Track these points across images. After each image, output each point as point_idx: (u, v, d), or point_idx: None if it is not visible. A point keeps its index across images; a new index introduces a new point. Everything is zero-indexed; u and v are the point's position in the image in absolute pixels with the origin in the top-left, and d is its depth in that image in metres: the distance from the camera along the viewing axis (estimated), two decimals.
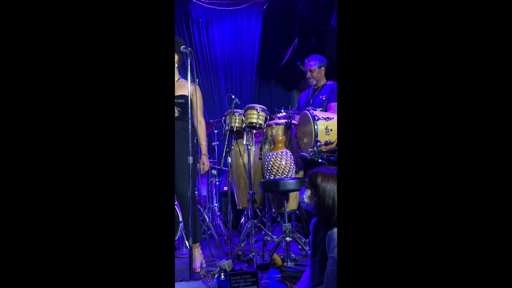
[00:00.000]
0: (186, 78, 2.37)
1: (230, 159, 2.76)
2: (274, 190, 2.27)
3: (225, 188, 3.85)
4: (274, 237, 2.53)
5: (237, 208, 2.93)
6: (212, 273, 1.28)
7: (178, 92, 2.29)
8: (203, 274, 1.28)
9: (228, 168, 2.78)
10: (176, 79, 2.36)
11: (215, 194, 3.68)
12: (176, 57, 2.30)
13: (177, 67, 2.37)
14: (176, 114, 2.21)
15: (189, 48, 2.14)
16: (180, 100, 2.26)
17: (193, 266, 2.01)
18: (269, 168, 2.37)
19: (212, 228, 3.17)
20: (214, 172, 3.70)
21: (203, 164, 2.31)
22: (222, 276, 1.37)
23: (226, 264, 1.50)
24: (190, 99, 2.14)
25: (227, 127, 2.61)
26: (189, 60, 2.17)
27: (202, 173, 2.37)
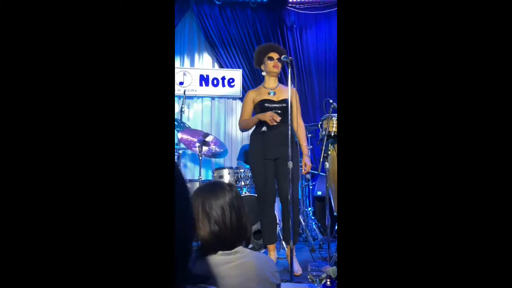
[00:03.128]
0: (284, 84, 2.47)
1: (327, 164, 2.75)
2: None
3: (319, 193, 3.83)
4: None
5: (334, 214, 2.89)
6: (319, 278, 1.30)
7: (279, 97, 2.40)
8: (311, 278, 1.32)
9: (326, 173, 2.77)
10: (275, 85, 2.47)
11: (309, 198, 3.70)
12: (279, 65, 2.41)
13: (277, 73, 2.45)
14: (278, 120, 2.30)
15: (290, 57, 2.24)
16: (283, 105, 2.35)
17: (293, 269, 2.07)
18: None
19: (307, 232, 3.19)
20: (308, 176, 3.72)
21: (305, 165, 2.41)
22: (328, 282, 1.39)
23: (331, 270, 1.51)
24: (291, 102, 2.22)
25: (324, 132, 2.60)
26: (289, 69, 2.27)
27: (304, 173, 2.56)
